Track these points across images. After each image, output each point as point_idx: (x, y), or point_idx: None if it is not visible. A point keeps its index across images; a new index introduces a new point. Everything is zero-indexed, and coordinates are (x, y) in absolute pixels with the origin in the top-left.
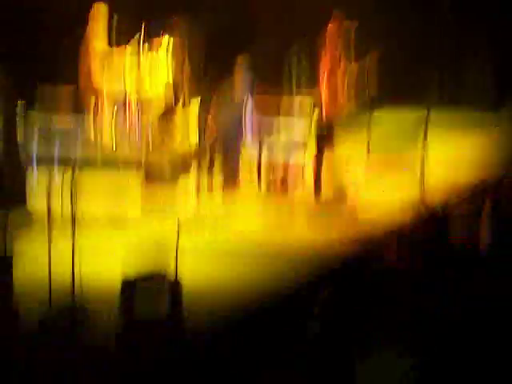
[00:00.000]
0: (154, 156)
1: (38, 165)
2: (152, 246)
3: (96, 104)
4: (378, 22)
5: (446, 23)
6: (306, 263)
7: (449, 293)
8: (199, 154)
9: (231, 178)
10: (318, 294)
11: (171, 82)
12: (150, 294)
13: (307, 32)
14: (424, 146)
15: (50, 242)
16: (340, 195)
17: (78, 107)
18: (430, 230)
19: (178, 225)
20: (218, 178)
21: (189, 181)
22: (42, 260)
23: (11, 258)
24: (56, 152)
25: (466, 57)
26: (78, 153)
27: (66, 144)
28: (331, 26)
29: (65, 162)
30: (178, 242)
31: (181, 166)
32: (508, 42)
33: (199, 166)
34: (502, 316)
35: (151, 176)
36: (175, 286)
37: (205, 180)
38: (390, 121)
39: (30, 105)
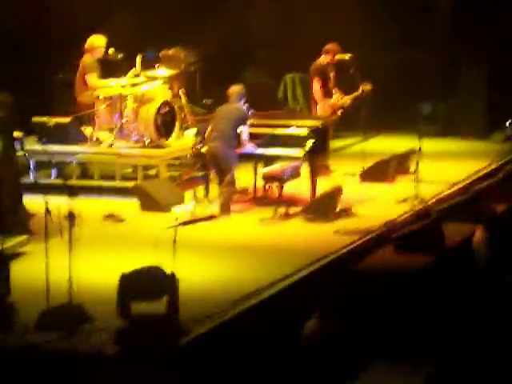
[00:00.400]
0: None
1: (36, 166)
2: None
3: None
4: (372, 53)
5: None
6: (303, 260)
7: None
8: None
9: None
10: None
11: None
12: (148, 288)
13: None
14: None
15: (47, 241)
16: (335, 192)
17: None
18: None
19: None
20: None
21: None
22: (39, 258)
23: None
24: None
25: (459, 89)
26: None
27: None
28: (324, 57)
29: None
30: (175, 238)
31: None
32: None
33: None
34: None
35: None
36: (172, 280)
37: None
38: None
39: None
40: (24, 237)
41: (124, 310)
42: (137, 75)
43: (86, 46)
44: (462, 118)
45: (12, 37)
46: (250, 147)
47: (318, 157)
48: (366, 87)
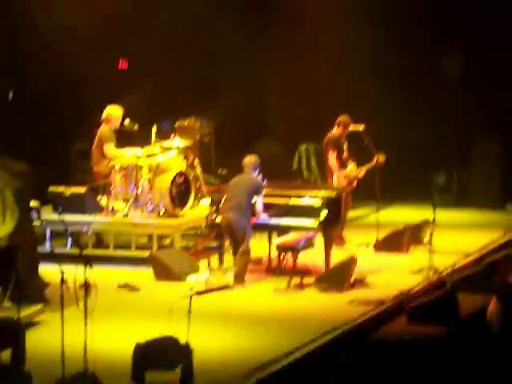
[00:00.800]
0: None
1: (52, 235)
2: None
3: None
4: (386, 125)
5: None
6: (318, 329)
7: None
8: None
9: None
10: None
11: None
12: (162, 358)
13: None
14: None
15: (62, 310)
16: (349, 262)
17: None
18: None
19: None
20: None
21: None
22: (54, 327)
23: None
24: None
25: (473, 160)
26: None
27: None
28: (337, 128)
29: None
30: (190, 307)
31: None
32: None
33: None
34: None
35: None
36: (186, 350)
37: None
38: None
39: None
40: (40, 305)
41: (139, 380)
42: (152, 145)
43: (103, 116)
44: (476, 188)
45: (29, 108)
46: (264, 217)
47: (331, 227)
48: (380, 158)
